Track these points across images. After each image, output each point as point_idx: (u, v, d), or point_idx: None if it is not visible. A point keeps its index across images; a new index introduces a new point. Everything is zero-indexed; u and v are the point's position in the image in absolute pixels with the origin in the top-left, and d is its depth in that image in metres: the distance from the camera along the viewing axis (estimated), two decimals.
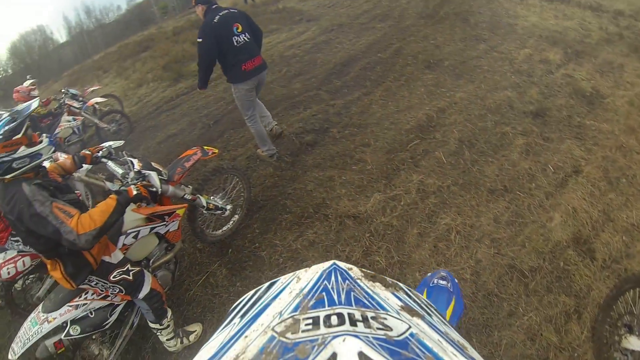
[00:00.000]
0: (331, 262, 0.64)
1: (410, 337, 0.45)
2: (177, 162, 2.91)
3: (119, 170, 2.66)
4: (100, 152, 2.75)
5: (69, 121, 5.43)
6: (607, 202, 3.44)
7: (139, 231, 2.53)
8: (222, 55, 3.67)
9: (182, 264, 3.26)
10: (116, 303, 2.48)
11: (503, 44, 6.77)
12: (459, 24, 7.66)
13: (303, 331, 0.46)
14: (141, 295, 2.39)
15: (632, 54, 6.62)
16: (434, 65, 6.13)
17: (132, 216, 2.45)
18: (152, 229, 2.61)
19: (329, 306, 0.51)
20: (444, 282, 1.35)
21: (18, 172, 1.95)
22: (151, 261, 2.77)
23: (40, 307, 2.36)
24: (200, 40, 3.59)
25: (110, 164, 2.73)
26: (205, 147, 3.07)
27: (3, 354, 3.19)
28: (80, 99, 5.87)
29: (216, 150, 3.12)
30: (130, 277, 2.33)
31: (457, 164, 3.87)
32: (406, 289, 0.65)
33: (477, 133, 4.32)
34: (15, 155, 1.94)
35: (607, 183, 3.64)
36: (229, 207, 3.25)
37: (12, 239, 3.25)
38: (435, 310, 0.68)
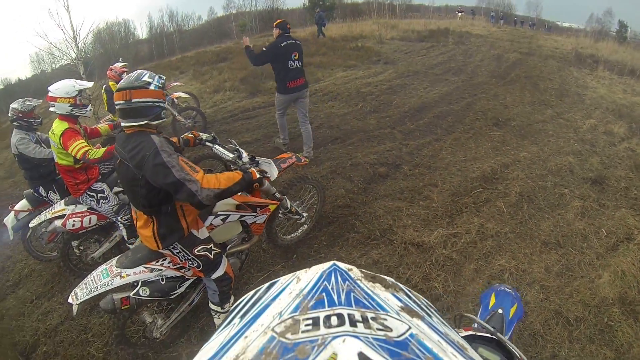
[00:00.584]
0: (331, 262, 0.63)
1: (410, 338, 0.45)
2: (274, 162, 2.97)
3: (229, 155, 2.69)
4: (205, 136, 2.84)
5: None
6: None
7: (229, 215, 2.53)
8: (277, 70, 4.85)
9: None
10: (187, 277, 2.49)
11: (569, 112, 6.93)
12: (528, 87, 7.86)
13: (303, 332, 0.45)
14: (214, 276, 2.40)
15: None
16: (501, 123, 6.40)
17: (226, 199, 2.42)
18: (241, 216, 2.62)
19: (329, 307, 0.50)
20: (509, 290, 1.61)
21: (160, 121, 2.10)
22: (228, 247, 2.77)
23: (114, 261, 2.34)
24: (264, 49, 4.83)
25: (219, 148, 2.78)
26: (298, 154, 3.15)
27: (42, 301, 3.44)
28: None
29: (307, 160, 3.23)
30: (212, 256, 2.33)
31: (516, 215, 4.07)
32: (406, 290, 0.64)
33: (537, 190, 4.54)
34: (164, 105, 2.11)
35: None
36: (305, 214, 3.30)
37: (88, 193, 3.28)
38: (435, 311, 0.67)
